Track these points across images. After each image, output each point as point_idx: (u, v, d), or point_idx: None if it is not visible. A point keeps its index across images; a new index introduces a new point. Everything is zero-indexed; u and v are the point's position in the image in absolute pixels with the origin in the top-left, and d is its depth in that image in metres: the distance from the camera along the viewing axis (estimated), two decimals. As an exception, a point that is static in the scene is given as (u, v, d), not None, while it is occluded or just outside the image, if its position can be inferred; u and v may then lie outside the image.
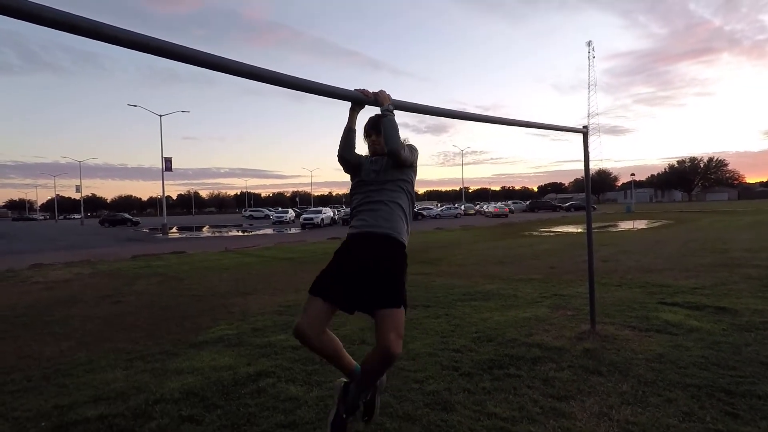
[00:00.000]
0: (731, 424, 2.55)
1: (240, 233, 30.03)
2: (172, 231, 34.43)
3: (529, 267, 8.94)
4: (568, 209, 55.47)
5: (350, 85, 2.41)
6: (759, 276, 6.90)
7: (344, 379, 2.44)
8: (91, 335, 4.87)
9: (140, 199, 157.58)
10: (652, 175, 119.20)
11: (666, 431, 2.50)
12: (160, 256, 13.90)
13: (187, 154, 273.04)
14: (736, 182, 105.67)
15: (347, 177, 2.63)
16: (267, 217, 55.84)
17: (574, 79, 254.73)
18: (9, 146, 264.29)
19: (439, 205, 66.09)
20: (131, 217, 51.93)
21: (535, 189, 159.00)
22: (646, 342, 3.94)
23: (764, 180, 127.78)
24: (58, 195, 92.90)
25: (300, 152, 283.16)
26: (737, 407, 2.72)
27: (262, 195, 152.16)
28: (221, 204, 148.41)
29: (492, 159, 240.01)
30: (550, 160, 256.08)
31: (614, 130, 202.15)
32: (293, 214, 47.31)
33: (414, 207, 2.56)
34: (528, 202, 67.45)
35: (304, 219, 34.63)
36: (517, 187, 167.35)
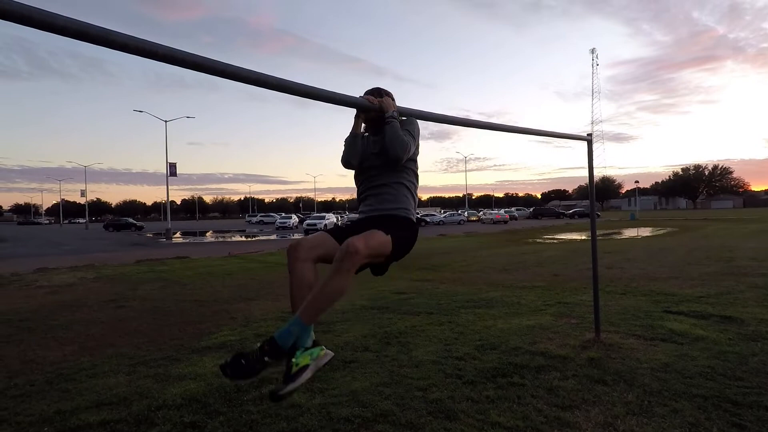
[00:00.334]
0: (738, 435, 2.52)
1: (243, 238, 30.09)
2: (176, 236, 34.52)
3: (532, 274, 8.91)
4: (571, 216, 55.33)
5: (354, 92, 2.42)
6: (765, 285, 6.84)
7: None
8: (94, 340, 4.88)
9: (145, 203, 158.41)
10: (657, 183, 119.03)
11: (672, 442, 2.48)
12: (163, 261, 13.93)
13: (191, 160, 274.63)
14: (741, 190, 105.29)
15: (351, 183, 2.64)
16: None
17: (578, 87, 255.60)
18: (15, 151, 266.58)
19: (442, 211, 65.98)
20: (135, 222, 52.06)
21: (539, 196, 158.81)
22: (651, 351, 3.91)
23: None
24: (63, 199, 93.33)
25: (304, 158, 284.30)
26: (744, 418, 2.69)
27: (266, 200, 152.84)
28: (225, 209, 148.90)
29: (495, 166, 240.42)
30: (553, 167, 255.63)
31: (618, 138, 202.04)
32: (296, 219, 47.41)
33: (418, 182, 2.52)
34: (532, 209, 67.36)
35: (308, 225, 34.70)
36: (520, 194, 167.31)
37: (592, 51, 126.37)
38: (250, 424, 2.79)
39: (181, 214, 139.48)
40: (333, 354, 2.13)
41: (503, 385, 3.28)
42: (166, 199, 37.40)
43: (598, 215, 52.33)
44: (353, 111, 2.53)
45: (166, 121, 35.78)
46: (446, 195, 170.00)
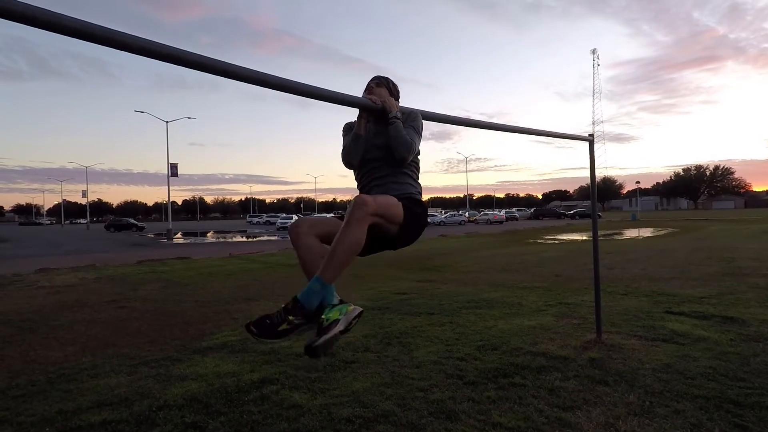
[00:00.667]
0: (740, 436, 2.51)
1: (244, 239, 30.10)
2: (176, 236, 34.55)
3: (534, 275, 8.90)
4: (573, 217, 55.28)
5: (355, 93, 2.41)
6: (767, 285, 6.83)
7: None
8: (95, 340, 4.88)
9: (146, 204, 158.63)
10: (658, 183, 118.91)
11: (673, 443, 2.47)
12: (164, 261, 13.94)
13: (192, 160, 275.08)
14: (742, 190, 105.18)
15: (351, 184, 2.64)
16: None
17: (579, 87, 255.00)
18: (17, 151, 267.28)
19: (443, 212, 66.01)
20: (136, 222, 52.13)
21: (540, 196, 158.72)
22: (652, 352, 3.91)
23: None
24: (64, 200, 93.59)
25: (304, 159, 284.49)
26: (746, 419, 2.69)
27: (267, 201, 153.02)
28: (226, 210, 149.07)
29: (496, 166, 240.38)
30: (554, 167, 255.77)
31: (619, 138, 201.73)
32: (298, 220, 47.36)
33: (419, 171, 2.51)
34: (533, 210, 67.28)
35: (309, 225, 34.61)
36: (521, 195, 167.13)
37: (593, 51, 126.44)
38: (252, 424, 2.79)
39: (182, 215, 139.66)
40: (362, 309, 2.11)
41: (504, 385, 3.27)
42: (167, 199, 37.50)
43: (600, 216, 52.28)
44: (355, 111, 2.53)
45: (167, 122, 35.86)
46: (447, 195, 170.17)
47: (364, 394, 3.18)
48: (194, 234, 39.28)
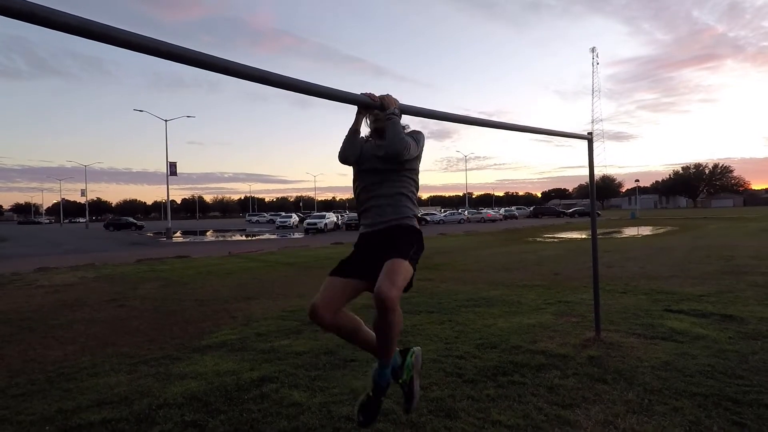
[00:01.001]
0: (738, 433, 2.52)
1: (244, 237, 30.09)
2: (176, 235, 34.53)
3: (533, 273, 8.91)
4: (572, 215, 55.30)
5: (354, 91, 2.42)
6: (765, 283, 6.85)
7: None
8: (95, 339, 4.88)
9: (145, 203, 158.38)
10: (657, 182, 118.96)
11: (672, 440, 2.48)
12: (164, 260, 13.93)
13: (191, 159, 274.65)
14: (741, 189, 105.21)
15: (351, 183, 2.62)
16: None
17: (578, 86, 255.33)
18: (16, 150, 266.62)
19: (442, 210, 65.99)
20: (136, 221, 52.05)
21: (539, 195, 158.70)
22: (651, 350, 3.91)
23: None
24: (63, 199, 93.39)
25: (304, 157, 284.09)
26: (744, 417, 2.69)
27: (266, 200, 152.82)
28: (225, 208, 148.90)
29: (495, 165, 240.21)
30: (553, 165, 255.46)
31: (618, 136, 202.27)
32: (297, 218, 47.37)
33: (418, 189, 2.54)
34: (532, 208, 67.31)
35: (308, 224, 34.66)
36: (521, 193, 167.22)
37: (593, 50, 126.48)
38: (251, 422, 2.80)
39: (181, 214, 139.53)
40: (420, 348, 2.46)
41: (504, 383, 3.28)
42: (166, 198, 37.44)
43: (599, 214, 52.32)
44: (354, 109, 2.53)
45: (166, 121, 35.79)
46: (446, 194, 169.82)
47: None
48: (193, 233, 39.27)
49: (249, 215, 73.62)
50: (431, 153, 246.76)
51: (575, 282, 7.59)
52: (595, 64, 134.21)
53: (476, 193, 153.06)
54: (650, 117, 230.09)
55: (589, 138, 4.50)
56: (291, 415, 2.87)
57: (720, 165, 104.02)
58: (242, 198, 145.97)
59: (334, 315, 2.22)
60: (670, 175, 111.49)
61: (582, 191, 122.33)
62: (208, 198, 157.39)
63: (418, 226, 2.45)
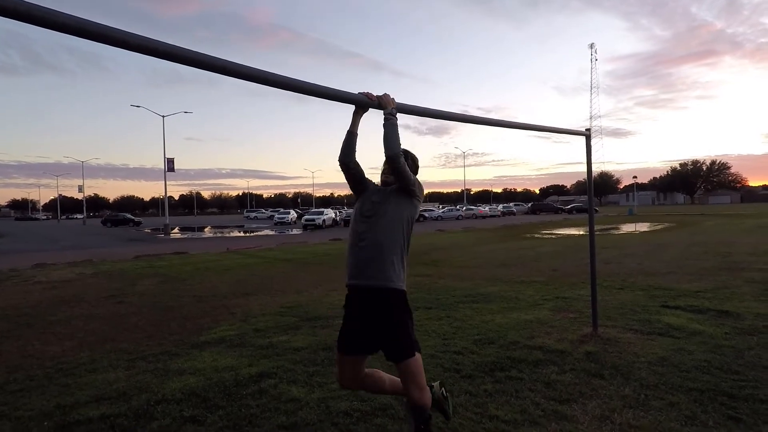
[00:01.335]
0: (734, 428, 2.54)
1: (242, 234, 30.07)
2: (174, 231, 34.49)
3: (531, 269, 8.94)
4: (569, 212, 55.36)
5: (351, 87, 2.43)
6: (762, 280, 6.88)
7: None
8: (93, 335, 4.89)
9: (142, 199, 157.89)
10: (655, 178, 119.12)
11: (668, 435, 2.50)
12: (162, 256, 13.92)
13: (189, 155, 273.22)
14: (738, 185, 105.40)
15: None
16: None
17: (577, 82, 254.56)
18: (12, 146, 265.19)
19: (440, 206, 66.01)
20: (133, 218, 51.96)
21: (537, 191, 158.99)
22: (648, 345, 3.94)
23: (767, 183, 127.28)
24: (60, 195, 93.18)
25: (302, 153, 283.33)
26: (740, 411, 2.72)
27: (264, 196, 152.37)
28: (223, 205, 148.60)
29: (494, 161, 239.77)
30: (551, 162, 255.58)
31: (616, 133, 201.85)
32: (295, 215, 47.33)
33: (408, 246, 2.43)
34: (530, 205, 67.38)
35: (306, 220, 34.63)
36: (519, 189, 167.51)
37: (591, 46, 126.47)
38: (250, 418, 2.81)
39: (179, 210, 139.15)
40: (438, 383, 2.66)
41: (501, 379, 3.30)
42: (164, 194, 37.35)
43: (596, 210, 52.40)
44: (352, 106, 2.53)
45: (163, 117, 35.67)
46: (444, 190, 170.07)
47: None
48: (191, 229, 39.21)
49: (247, 211, 73.50)
50: (429, 149, 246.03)
51: (573, 278, 7.61)
52: (593, 60, 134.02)
53: (474, 190, 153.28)
54: (648, 113, 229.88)
55: (587, 134, 4.51)
56: (289, 411, 2.88)
57: (717, 161, 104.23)
58: (240, 194, 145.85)
59: (360, 383, 2.46)
60: (667, 172, 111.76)
61: (580, 188, 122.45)
62: (206, 194, 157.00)
63: (402, 287, 2.33)
